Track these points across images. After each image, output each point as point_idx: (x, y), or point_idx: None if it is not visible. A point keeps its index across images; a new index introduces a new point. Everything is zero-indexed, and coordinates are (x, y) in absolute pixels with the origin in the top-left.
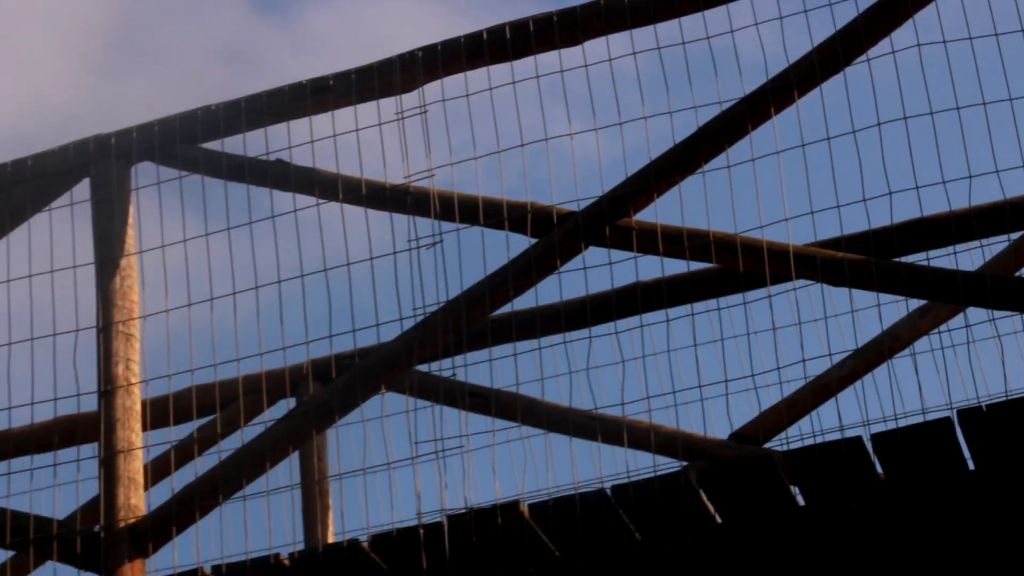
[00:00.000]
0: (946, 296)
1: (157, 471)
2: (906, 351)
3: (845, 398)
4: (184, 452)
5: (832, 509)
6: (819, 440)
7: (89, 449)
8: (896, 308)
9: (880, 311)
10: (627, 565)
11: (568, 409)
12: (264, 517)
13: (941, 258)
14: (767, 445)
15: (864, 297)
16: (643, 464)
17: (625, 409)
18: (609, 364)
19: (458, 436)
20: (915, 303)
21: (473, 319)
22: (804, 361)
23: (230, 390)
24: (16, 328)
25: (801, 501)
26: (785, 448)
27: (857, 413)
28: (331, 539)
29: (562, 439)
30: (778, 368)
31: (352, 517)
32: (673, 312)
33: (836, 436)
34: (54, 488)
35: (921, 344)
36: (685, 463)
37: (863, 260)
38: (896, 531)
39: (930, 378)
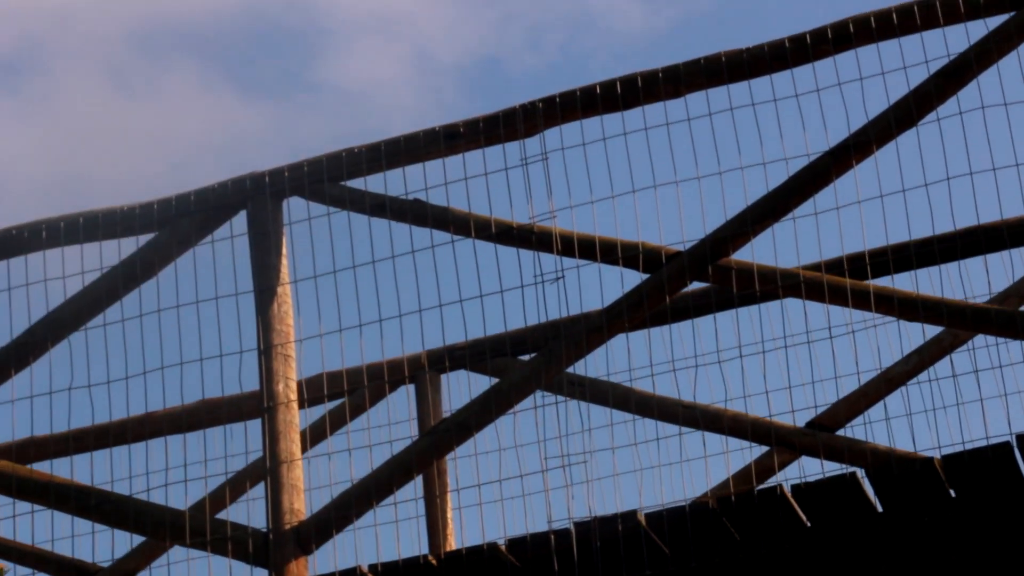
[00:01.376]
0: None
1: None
2: (964, 347)
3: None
4: (318, 432)
5: (907, 519)
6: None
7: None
8: None
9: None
10: (731, 567)
11: (677, 401)
12: (407, 523)
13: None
14: (839, 432)
15: None
16: (736, 456)
17: (719, 400)
18: (709, 353)
19: (582, 453)
20: None
21: (592, 346)
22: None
23: (355, 377)
24: (185, 351)
25: (880, 508)
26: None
27: (920, 403)
28: (451, 546)
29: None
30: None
31: (472, 525)
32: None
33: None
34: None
35: (978, 340)
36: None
37: (936, 299)
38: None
39: (986, 377)
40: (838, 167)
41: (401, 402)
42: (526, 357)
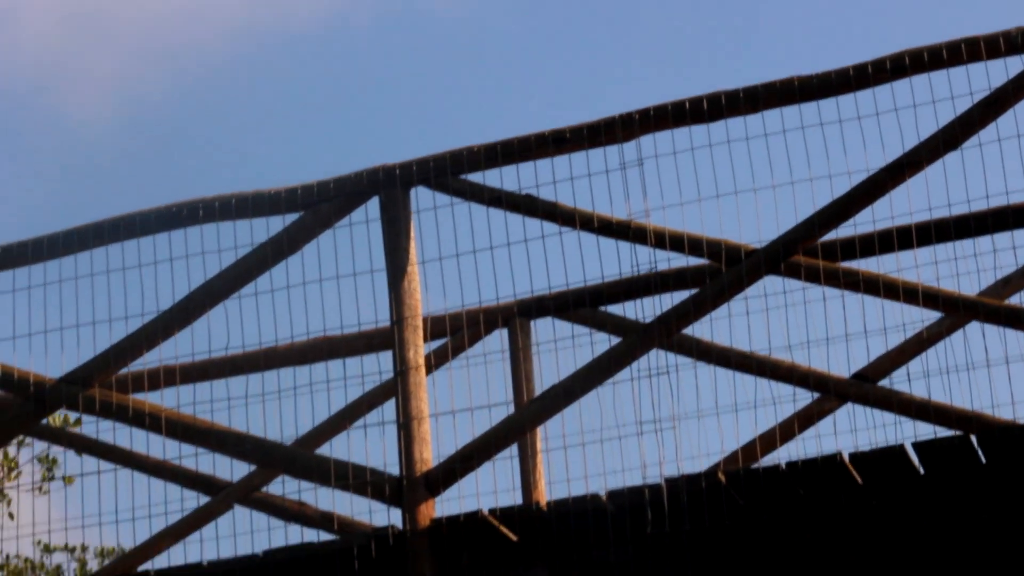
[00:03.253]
0: None
1: None
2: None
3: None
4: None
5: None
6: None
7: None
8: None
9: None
10: (797, 521)
11: (729, 348)
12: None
13: None
14: (880, 383)
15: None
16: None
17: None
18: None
19: (671, 419)
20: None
21: (680, 327)
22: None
23: (456, 322)
24: (327, 321)
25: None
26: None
27: (951, 358)
28: (543, 496)
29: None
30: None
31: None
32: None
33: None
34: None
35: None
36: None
37: (973, 299)
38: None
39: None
40: (893, 181)
41: (495, 344)
42: (604, 308)
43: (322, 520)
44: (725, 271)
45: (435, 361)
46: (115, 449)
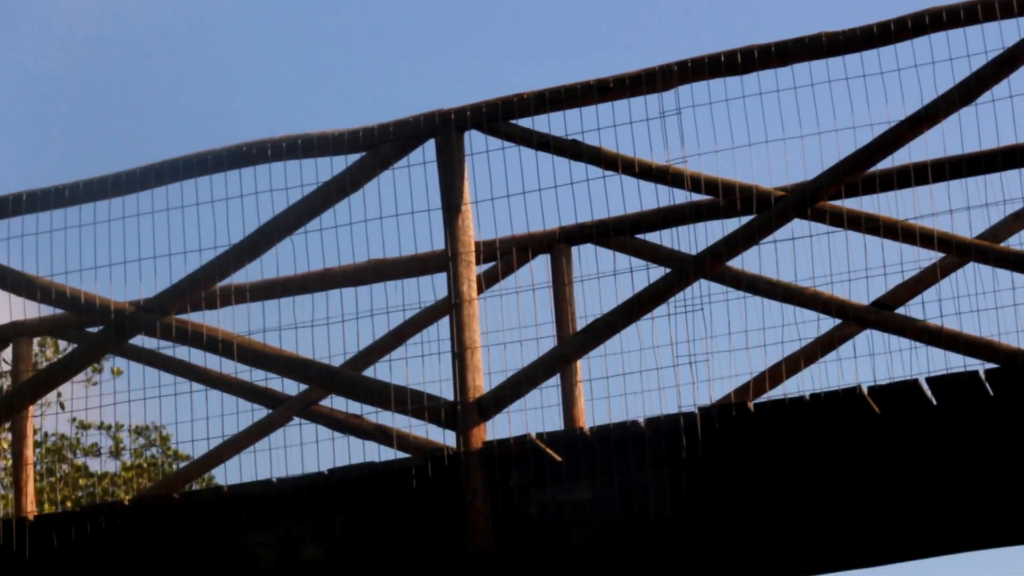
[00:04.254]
0: None
1: None
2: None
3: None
4: None
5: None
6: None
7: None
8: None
9: (988, 213)
10: (816, 450)
11: (758, 276)
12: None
13: None
14: (898, 310)
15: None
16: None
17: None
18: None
19: (705, 353)
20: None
21: (715, 266)
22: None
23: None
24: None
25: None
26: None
27: (963, 289)
28: (585, 422)
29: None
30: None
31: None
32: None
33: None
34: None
35: (1013, 241)
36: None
37: (984, 244)
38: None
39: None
40: (912, 133)
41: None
42: (641, 235)
43: (376, 432)
44: (756, 215)
45: (485, 283)
46: (177, 362)
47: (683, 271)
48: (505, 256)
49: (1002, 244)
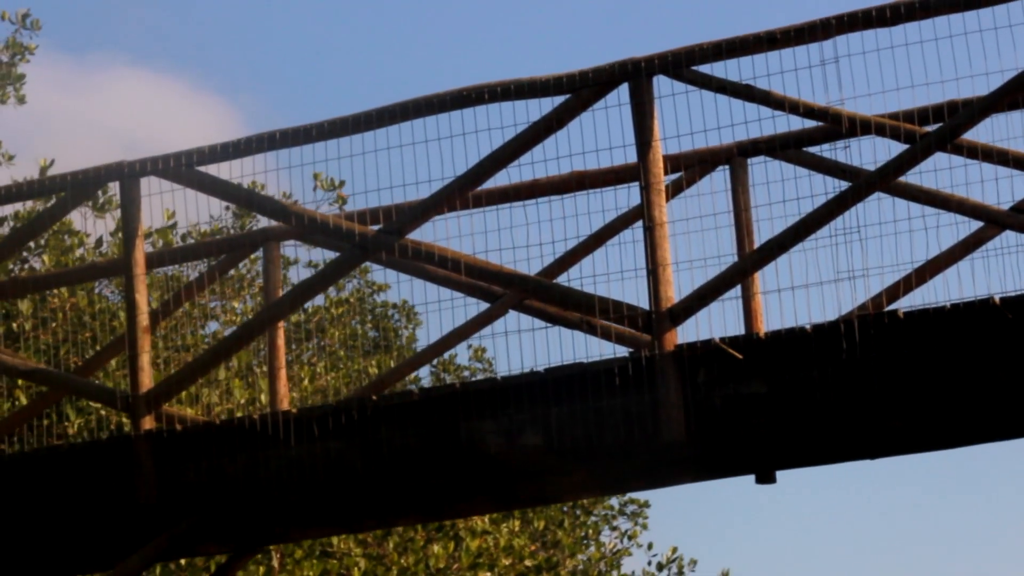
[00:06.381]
0: None
1: None
2: None
3: None
4: None
5: None
6: None
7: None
8: None
9: None
10: (955, 354)
11: (910, 184)
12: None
13: None
14: None
15: None
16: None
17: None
18: None
19: (863, 268)
20: None
21: (869, 192)
22: None
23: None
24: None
25: None
26: None
27: None
28: (762, 327)
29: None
30: None
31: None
32: None
33: None
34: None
35: None
36: None
37: None
38: None
39: None
40: None
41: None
42: (811, 148)
43: (583, 324)
44: (905, 150)
45: (672, 192)
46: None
47: (841, 199)
48: (688, 168)
49: None
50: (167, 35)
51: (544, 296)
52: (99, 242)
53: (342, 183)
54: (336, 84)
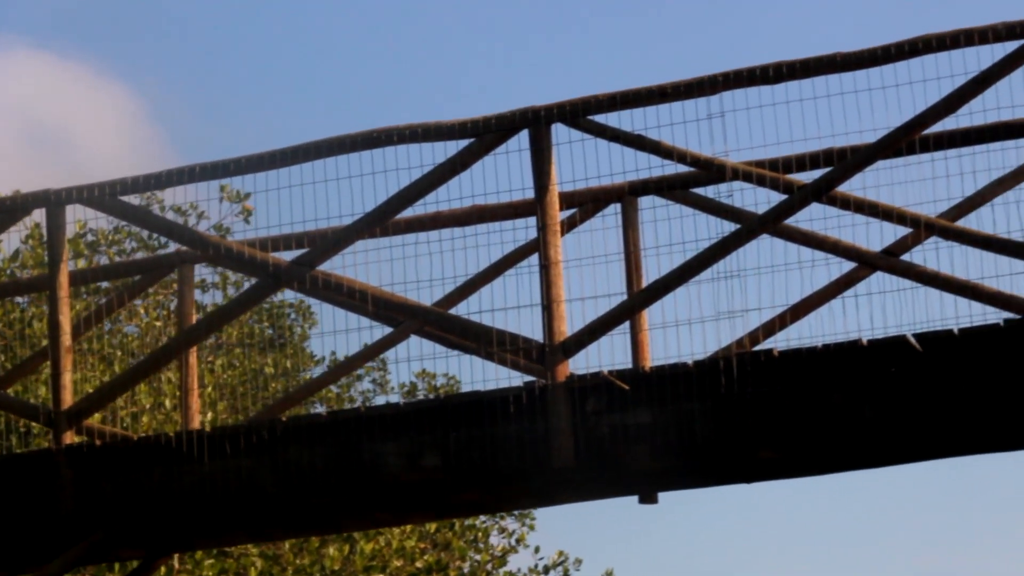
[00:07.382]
0: None
1: None
2: None
3: None
4: None
5: None
6: None
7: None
8: None
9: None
10: (855, 387)
11: (791, 226)
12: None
13: None
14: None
15: None
16: None
17: None
18: None
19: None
20: None
21: (750, 237)
22: None
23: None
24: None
25: None
26: None
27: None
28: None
29: None
30: None
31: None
32: None
33: None
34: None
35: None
36: None
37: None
38: None
39: None
40: (905, 137)
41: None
42: (698, 189)
43: (479, 351)
44: (783, 200)
45: (566, 227)
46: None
47: (724, 245)
48: (582, 205)
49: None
50: (72, 18)
51: (445, 327)
52: (15, 255)
53: (248, 195)
54: (239, 73)
